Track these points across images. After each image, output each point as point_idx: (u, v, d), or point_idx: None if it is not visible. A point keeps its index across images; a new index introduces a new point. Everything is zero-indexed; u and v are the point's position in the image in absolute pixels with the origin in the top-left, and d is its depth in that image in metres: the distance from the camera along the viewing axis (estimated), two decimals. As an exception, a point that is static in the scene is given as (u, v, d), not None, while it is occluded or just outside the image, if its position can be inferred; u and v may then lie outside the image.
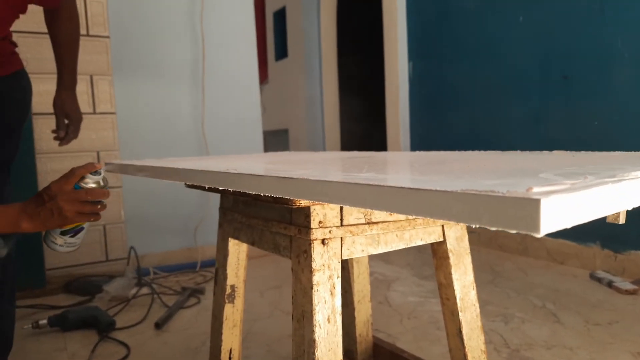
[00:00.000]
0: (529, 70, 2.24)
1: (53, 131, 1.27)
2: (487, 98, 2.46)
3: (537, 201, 0.27)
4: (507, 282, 1.94)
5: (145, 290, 1.93)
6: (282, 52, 4.39)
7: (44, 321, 1.58)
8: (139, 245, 2.21)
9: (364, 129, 3.60)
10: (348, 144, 3.73)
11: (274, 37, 4.55)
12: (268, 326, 1.59)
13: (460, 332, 0.80)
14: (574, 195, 0.29)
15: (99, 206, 0.86)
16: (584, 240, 2.06)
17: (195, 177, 0.64)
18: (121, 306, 1.80)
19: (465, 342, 0.80)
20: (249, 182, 0.54)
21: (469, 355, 0.81)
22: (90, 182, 0.84)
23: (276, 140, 4.48)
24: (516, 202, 0.28)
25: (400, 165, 0.69)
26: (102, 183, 0.86)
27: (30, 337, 1.56)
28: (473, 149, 2.47)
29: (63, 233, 0.87)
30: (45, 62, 1.96)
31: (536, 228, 0.27)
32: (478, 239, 2.51)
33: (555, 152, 0.79)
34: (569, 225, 0.29)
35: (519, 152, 0.83)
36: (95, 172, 0.85)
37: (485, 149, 2.38)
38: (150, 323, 1.65)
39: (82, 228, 0.90)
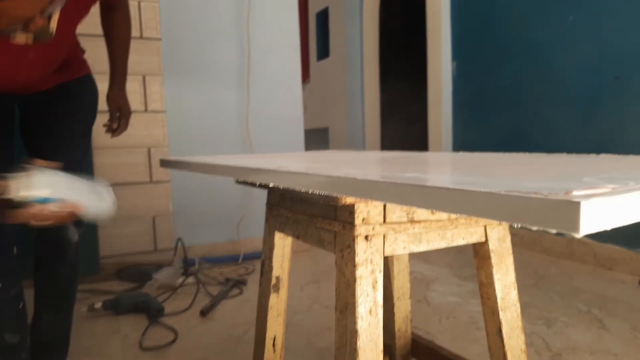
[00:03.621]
0: (578, 70, 2.17)
1: (105, 125, 1.34)
2: (533, 99, 2.41)
3: (577, 204, 0.29)
4: (551, 285, 1.90)
5: (191, 279, 2.02)
6: (324, 51, 4.43)
7: (99, 305, 1.69)
8: (185, 237, 2.30)
9: (405, 129, 3.58)
10: (388, 143, 3.73)
11: (316, 37, 4.59)
12: (307, 319, 1.63)
13: (500, 331, 0.81)
14: (613, 198, 0.30)
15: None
16: (633, 245, 1.99)
17: (248, 175, 0.68)
18: (169, 294, 1.90)
19: (505, 341, 0.81)
20: (299, 180, 0.58)
21: (509, 354, 0.82)
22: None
23: (316, 138, 4.53)
24: (557, 204, 0.30)
25: (443, 166, 0.71)
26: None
27: (86, 319, 1.67)
28: (517, 151, 2.42)
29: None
30: (99, 62, 2.08)
31: (576, 229, 0.29)
32: (521, 241, 2.46)
33: (602, 155, 0.79)
34: (607, 228, 0.30)
35: (565, 154, 0.83)
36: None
37: (530, 152, 2.33)
38: (195, 311, 1.72)
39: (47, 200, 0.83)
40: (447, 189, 0.38)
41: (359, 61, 3.90)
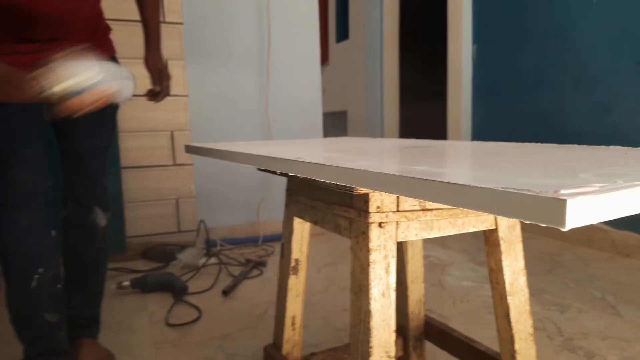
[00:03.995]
0: (600, 55, 2.14)
1: (147, 92, 1.34)
2: (554, 84, 2.38)
3: (564, 201, 0.32)
4: (567, 272, 1.92)
5: (213, 260, 2.10)
6: (343, 33, 4.41)
7: (127, 283, 1.78)
8: (207, 218, 2.38)
9: (424, 112, 3.57)
10: (407, 128, 3.73)
11: (335, 18, 4.57)
12: (324, 300, 1.69)
13: (508, 315, 0.84)
14: (598, 197, 0.34)
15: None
16: (652, 233, 1.99)
17: (270, 164, 0.73)
18: (192, 273, 1.98)
19: (512, 324, 0.85)
20: (317, 171, 0.62)
21: (516, 337, 0.85)
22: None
23: (335, 121, 4.55)
24: (546, 201, 0.33)
25: (454, 158, 0.74)
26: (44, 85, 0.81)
27: (115, 296, 1.76)
28: (537, 137, 2.41)
29: None
30: (122, 47, 2.13)
31: (562, 224, 0.33)
32: (538, 228, 2.47)
33: (612, 147, 0.80)
34: (593, 222, 0.34)
35: (575, 146, 0.85)
36: None
37: (550, 138, 2.32)
38: (218, 290, 1.80)
39: None
40: (451, 184, 0.42)
41: (378, 43, 3.88)
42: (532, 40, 2.48)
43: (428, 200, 0.45)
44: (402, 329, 1.18)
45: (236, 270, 2.00)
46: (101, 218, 1.29)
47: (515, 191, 0.36)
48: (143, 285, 1.78)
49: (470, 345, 1.05)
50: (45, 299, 1.14)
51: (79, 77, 0.81)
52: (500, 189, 0.37)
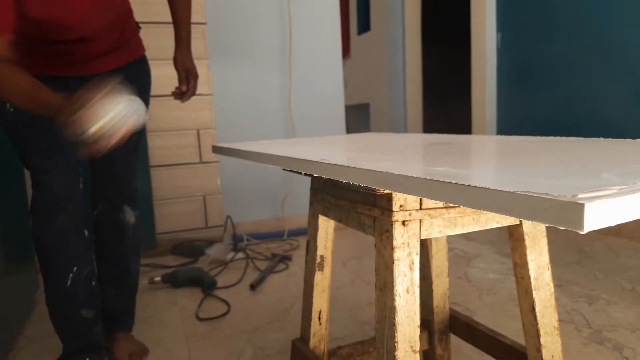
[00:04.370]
0: (633, 41, 2.08)
1: (174, 90, 1.36)
2: (583, 73, 2.32)
3: (582, 205, 0.33)
4: (595, 263, 1.89)
5: (240, 255, 2.15)
6: (364, 25, 4.39)
7: (158, 278, 1.84)
8: (233, 214, 2.43)
9: (448, 105, 3.53)
10: (431, 121, 3.69)
11: (357, 10, 4.55)
12: (350, 293, 1.71)
13: (534, 309, 0.85)
14: (616, 200, 0.34)
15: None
16: (686, 223, 1.93)
17: (294, 165, 0.75)
18: (220, 268, 2.03)
19: (538, 318, 0.85)
20: (340, 172, 0.63)
21: (542, 331, 0.86)
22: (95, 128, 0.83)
23: (357, 115, 4.54)
24: (565, 205, 0.34)
25: (476, 157, 0.75)
26: (83, 131, 0.84)
27: (147, 291, 1.83)
28: (565, 128, 2.36)
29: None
30: (150, 49, 2.19)
31: (580, 227, 0.33)
32: (566, 218, 2.42)
33: (638, 140, 0.79)
34: (612, 224, 0.35)
35: (601, 139, 0.84)
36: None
37: (579, 129, 2.28)
38: (245, 284, 1.84)
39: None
40: (472, 187, 0.43)
41: (400, 35, 3.85)
42: (560, 27, 2.43)
43: (449, 203, 0.46)
44: (427, 323, 1.19)
45: (263, 265, 2.04)
46: (131, 216, 1.33)
47: (535, 195, 0.37)
48: (174, 281, 1.83)
49: (495, 339, 1.05)
50: (81, 296, 1.20)
51: (111, 116, 0.85)
52: (520, 192, 0.38)
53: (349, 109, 4.43)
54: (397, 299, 0.71)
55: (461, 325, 1.16)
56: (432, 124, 3.66)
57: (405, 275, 0.72)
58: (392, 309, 0.71)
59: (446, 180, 0.46)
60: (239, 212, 2.48)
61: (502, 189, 0.40)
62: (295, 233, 2.51)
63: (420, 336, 1.16)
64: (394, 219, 0.71)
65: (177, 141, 2.29)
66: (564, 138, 0.91)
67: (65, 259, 1.17)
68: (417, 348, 0.73)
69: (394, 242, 0.71)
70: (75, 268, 1.17)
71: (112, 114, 0.84)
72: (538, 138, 0.94)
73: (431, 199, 0.48)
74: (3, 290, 1.39)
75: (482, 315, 1.47)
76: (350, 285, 1.80)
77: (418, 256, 0.73)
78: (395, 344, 0.72)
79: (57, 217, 1.14)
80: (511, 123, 2.80)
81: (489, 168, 0.58)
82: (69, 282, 1.17)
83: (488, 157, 0.72)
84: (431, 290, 1.14)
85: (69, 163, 1.16)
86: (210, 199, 2.38)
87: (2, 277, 1.39)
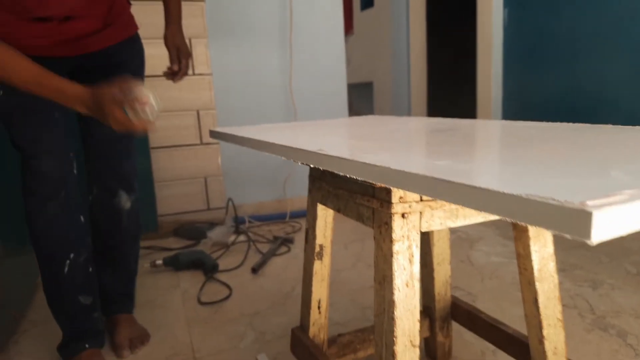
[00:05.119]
0: (644, 16, 2.01)
1: (165, 70, 1.32)
2: (594, 51, 2.26)
3: (590, 214, 0.31)
4: (601, 246, 1.87)
5: (242, 237, 2.14)
6: (368, 1, 4.29)
7: (160, 261, 1.84)
8: (234, 195, 2.41)
9: (453, 83, 3.47)
10: (435, 102, 3.62)
11: (360, -15, 4.43)
12: (351, 276, 1.71)
13: (537, 300, 0.83)
14: (627, 206, 0.32)
15: (145, 118, 0.93)
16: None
17: (292, 154, 0.73)
18: (222, 251, 2.02)
19: (541, 310, 0.83)
20: (338, 164, 0.61)
21: (544, 323, 0.84)
22: (132, 92, 0.91)
23: (361, 93, 4.47)
24: (572, 213, 0.32)
25: (478, 148, 0.72)
26: (148, 113, 0.92)
27: (149, 274, 1.83)
28: (573, 109, 2.31)
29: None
30: (145, 27, 2.14)
31: (588, 237, 0.31)
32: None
33: (649, 128, 0.76)
34: (622, 234, 0.32)
35: (609, 126, 0.80)
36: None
37: (587, 109, 2.22)
38: (247, 268, 1.84)
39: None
40: (472, 186, 0.41)
41: (404, 12, 3.76)
42: (568, 3, 2.35)
43: (450, 202, 0.44)
44: (428, 309, 1.18)
45: (264, 247, 2.03)
46: (126, 201, 1.31)
47: (540, 199, 0.35)
48: (175, 264, 1.83)
49: (497, 328, 1.04)
50: (78, 282, 1.19)
51: (155, 99, 0.94)
52: (524, 195, 0.36)
53: (352, 88, 4.36)
54: (396, 292, 0.69)
55: (463, 313, 1.15)
56: (436, 107, 3.59)
57: (404, 269, 0.70)
58: (391, 303, 0.70)
59: (446, 179, 0.44)
60: (240, 193, 2.47)
61: (505, 191, 0.38)
62: (298, 215, 2.50)
63: (421, 323, 1.15)
64: (393, 211, 0.68)
65: (177, 122, 2.27)
66: (570, 125, 0.87)
67: (59, 245, 1.15)
68: (417, 342, 0.72)
69: (393, 235, 0.69)
70: (71, 255, 1.16)
71: (152, 97, 0.93)
72: (544, 124, 0.90)
73: (431, 197, 0.45)
74: (4, 273, 1.39)
75: (484, 300, 1.46)
76: (351, 268, 1.79)
77: (418, 249, 0.71)
78: (394, 339, 0.70)
79: (48, 203, 1.12)
80: (517, 103, 2.75)
81: (491, 162, 0.56)
82: (65, 269, 1.16)
83: (491, 148, 0.70)
84: (432, 278, 1.13)
85: (60, 148, 1.13)
86: (212, 181, 2.37)
87: (3, 260, 1.39)
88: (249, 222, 2.40)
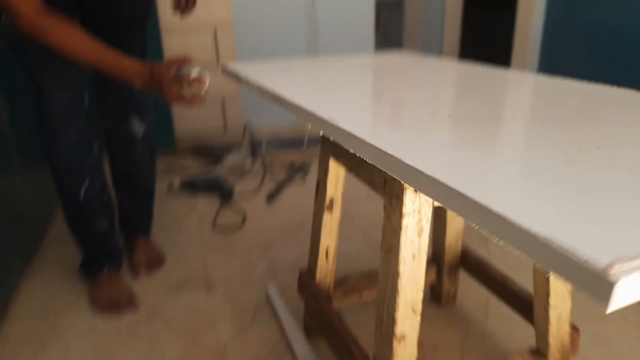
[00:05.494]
0: None
1: (174, 1, 1.26)
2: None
3: (612, 285, 0.27)
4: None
5: (258, 163, 2.14)
6: None
7: (177, 185, 1.87)
8: (253, 118, 2.38)
9: (490, 10, 3.17)
10: (469, 41, 3.31)
11: None
12: (364, 211, 1.71)
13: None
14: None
15: (198, 94, 0.98)
16: None
17: (304, 116, 0.69)
18: (238, 176, 2.04)
19: (550, 279, 0.83)
20: (351, 142, 0.57)
21: (552, 292, 0.84)
22: (189, 71, 0.96)
23: (390, 15, 4.17)
24: (593, 275, 0.29)
25: (503, 131, 0.66)
26: (200, 72, 0.97)
27: (166, 197, 1.86)
28: (616, 55, 2.08)
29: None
30: None
31: (606, 306, 0.28)
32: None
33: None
34: (645, 298, 0.29)
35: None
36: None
37: (631, 56, 2.02)
38: (262, 195, 1.86)
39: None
40: (487, 209, 0.37)
41: None
42: None
43: (463, 217, 0.41)
44: (436, 255, 1.19)
45: (281, 174, 2.04)
46: (139, 127, 1.31)
47: (558, 248, 0.31)
48: (192, 187, 1.86)
49: (504, 282, 1.05)
50: (94, 208, 1.23)
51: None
52: (541, 237, 0.33)
53: (382, 7, 4.06)
54: (401, 264, 0.69)
55: (472, 262, 1.15)
56: (470, 46, 3.29)
57: (412, 242, 0.68)
58: (396, 275, 0.69)
59: (460, 191, 0.40)
60: (257, 117, 2.43)
61: (523, 226, 0.34)
62: (315, 142, 2.46)
63: (428, 270, 1.17)
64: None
65: (193, 40, 2.17)
66: (610, 91, 0.79)
67: (74, 173, 1.18)
68: (419, 308, 0.73)
69: (404, 209, 0.66)
70: (87, 180, 1.19)
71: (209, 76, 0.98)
72: (580, 87, 0.83)
73: (443, 205, 0.42)
74: (26, 190, 1.43)
75: (496, 259, 1.45)
76: (366, 201, 1.79)
77: (429, 222, 0.69)
78: (396, 306, 0.71)
79: (63, 133, 1.12)
80: (556, 47, 2.52)
81: (512, 164, 0.51)
82: (81, 195, 1.19)
83: (517, 134, 0.64)
84: (444, 232, 1.12)
85: (71, 78, 1.12)
86: (229, 102, 2.32)
87: (25, 177, 1.43)
88: (266, 146, 2.39)
